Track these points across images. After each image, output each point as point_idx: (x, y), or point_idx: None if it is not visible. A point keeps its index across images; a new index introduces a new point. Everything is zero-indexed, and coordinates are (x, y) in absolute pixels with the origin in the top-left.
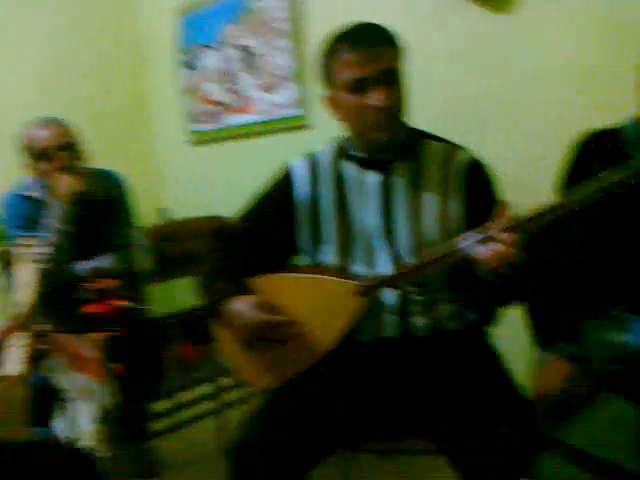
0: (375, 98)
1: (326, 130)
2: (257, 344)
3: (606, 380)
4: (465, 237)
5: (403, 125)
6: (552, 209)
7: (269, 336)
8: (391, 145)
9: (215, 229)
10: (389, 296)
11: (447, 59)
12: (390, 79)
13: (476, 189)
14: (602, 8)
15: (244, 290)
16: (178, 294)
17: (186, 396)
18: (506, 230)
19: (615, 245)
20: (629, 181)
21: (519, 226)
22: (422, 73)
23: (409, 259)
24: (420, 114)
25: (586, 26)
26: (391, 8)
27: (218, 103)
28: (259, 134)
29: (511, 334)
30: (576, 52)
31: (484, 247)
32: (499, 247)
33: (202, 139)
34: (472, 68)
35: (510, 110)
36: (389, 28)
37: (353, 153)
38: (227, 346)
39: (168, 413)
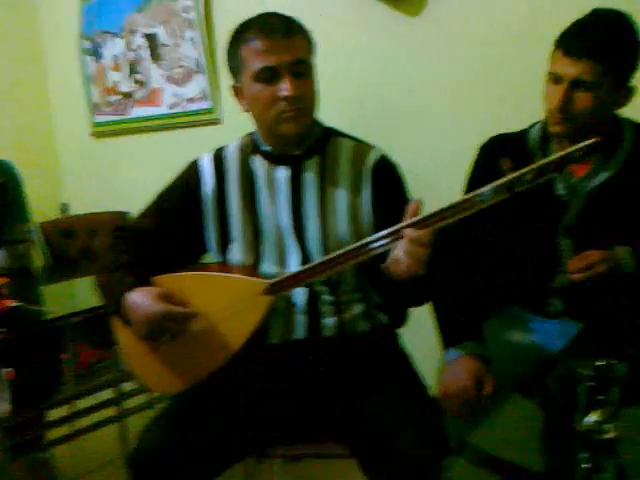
0: (286, 88)
1: (237, 124)
2: (159, 342)
3: (510, 380)
4: (376, 235)
5: (314, 120)
6: (456, 206)
7: (172, 330)
8: (301, 139)
9: (116, 225)
10: (299, 296)
11: (357, 57)
12: (302, 71)
13: (385, 187)
14: (502, 18)
15: (146, 285)
16: (78, 294)
17: (86, 402)
18: (415, 227)
19: (515, 244)
20: (527, 181)
21: (427, 223)
22: (331, 70)
23: (320, 257)
24: (330, 111)
25: (489, 32)
26: (303, 3)
27: (124, 94)
28: (167, 127)
29: (421, 335)
30: (482, 55)
31: (395, 245)
32: (409, 245)
33: (106, 131)
34: (382, 66)
35: (420, 110)
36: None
37: (263, 148)
38: (128, 348)
39: (66, 420)
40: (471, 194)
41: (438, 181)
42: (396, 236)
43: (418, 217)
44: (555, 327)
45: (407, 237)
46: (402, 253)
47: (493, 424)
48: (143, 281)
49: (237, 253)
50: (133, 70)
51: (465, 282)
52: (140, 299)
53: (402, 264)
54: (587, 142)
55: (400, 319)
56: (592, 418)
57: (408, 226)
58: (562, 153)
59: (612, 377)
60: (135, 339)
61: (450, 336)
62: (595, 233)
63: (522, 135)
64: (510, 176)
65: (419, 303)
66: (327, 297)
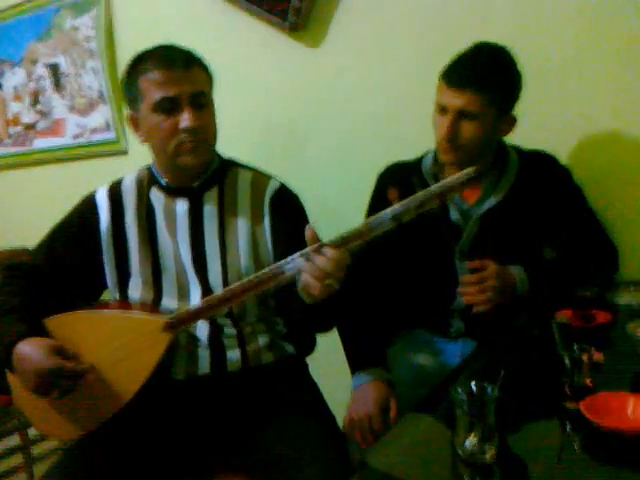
0: (186, 119)
1: (143, 155)
2: (50, 394)
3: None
4: (278, 264)
5: (213, 151)
6: (347, 237)
7: (61, 386)
8: (200, 171)
9: (8, 263)
10: (201, 330)
11: (262, 88)
12: (201, 102)
13: (284, 217)
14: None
15: (38, 331)
16: None
17: None
18: (316, 252)
19: (416, 268)
20: (412, 210)
21: (325, 249)
22: (236, 102)
23: (221, 290)
24: (236, 143)
25: (385, 65)
26: (205, 35)
27: (26, 125)
28: (70, 159)
29: (329, 362)
30: (379, 86)
31: (298, 271)
32: (311, 269)
33: (4, 164)
34: (286, 97)
35: (325, 140)
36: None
37: (160, 181)
38: (21, 394)
39: None
40: (361, 224)
41: (344, 209)
42: (295, 264)
43: (313, 246)
44: (457, 347)
45: (328, 256)
46: (306, 277)
47: (390, 443)
48: (35, 326)
49: (136, 289)
50: (35, 100)
51: (369, 307)
52: (30, 351)
53: (306, 287)
54: (463, 172)
55: (307, 348)
56: (471, 441)
57: (304, 255)
58: (441, 183)
59: (486, 399)
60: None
61: (356, 361)
62: (489, 255)
63: (416, 164)
64: (396, 205)
65: (330, 325)
66: (230, 330)
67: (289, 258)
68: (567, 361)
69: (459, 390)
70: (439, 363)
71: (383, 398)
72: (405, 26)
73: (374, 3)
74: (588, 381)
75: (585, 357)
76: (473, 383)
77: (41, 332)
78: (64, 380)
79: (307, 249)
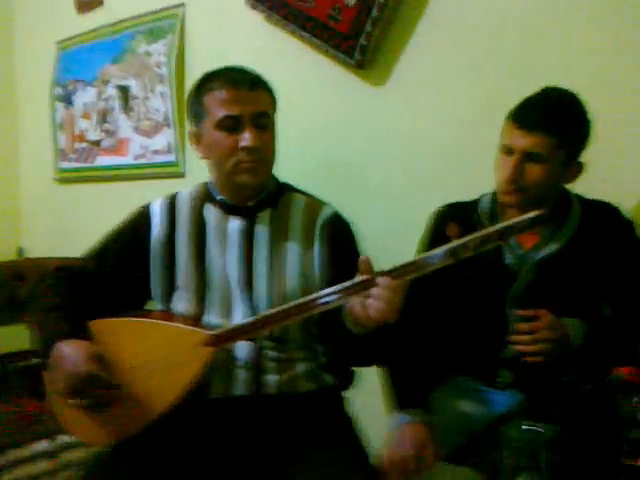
0: (247, 138)
1: (199, 179)
2: (75, 402)
3: (450, 450)
4: (325, 291)
5: (271, 173)
6: (400, 269)
7: (91, 394)
8: (256, 191)
9: (58, 266)
10: (242, 350)
11: (323, 119)
12: (263, 123)
13: (337, 244)
14: (464, 93)
15: (81, 333)
16: (23, 338)
17: (21, 453)
18: (367, 284)
19: (465, 313)
20: (471, 248)
21: (375, 283)
22: (297, 129)
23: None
24: (292, 169)
25: (451, 106)
26: (270, 67)
27: (91, 142)
28: (131, 178)
29: (368, 399)
30: (442, 128)
31: (347, 300)
32: (363, 300)
33: (70, 177)
34: (346, 131)
35: (380, 176)
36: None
37: (217, 197)
38: (56, 395)
39: None
40: (417, 257)
41: (394, 246)
42: (344, 293)
43: (362, 277)
44: (504, 398)
45: (382, 284)
46: (355, 307)
47: None
48: (79, 327)
49: (181, 302)
50: (102, 119)
51: (416, 347)
52: (69, 352)
53: (355, 318)
54: (530, 214)
55: (347, 380)
56: None
57: (354, 286)
58: (506, 223)
59: (538, 441)
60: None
61: (397, 400)
62: (543, 304)
63: (473, 204)
64: (455, 242)
65: (371, 360)
66: (271, 353)
67: (338, 286)
68: (625, 417)
69: (510, 430)
70: (483, 413)
71: (422, 441)
72: (469, 68)
73: (441, 44)
74: None
75: None
76: (525, 425)
77: (84, 334)
78: (94, 389)
79: (357, 278)
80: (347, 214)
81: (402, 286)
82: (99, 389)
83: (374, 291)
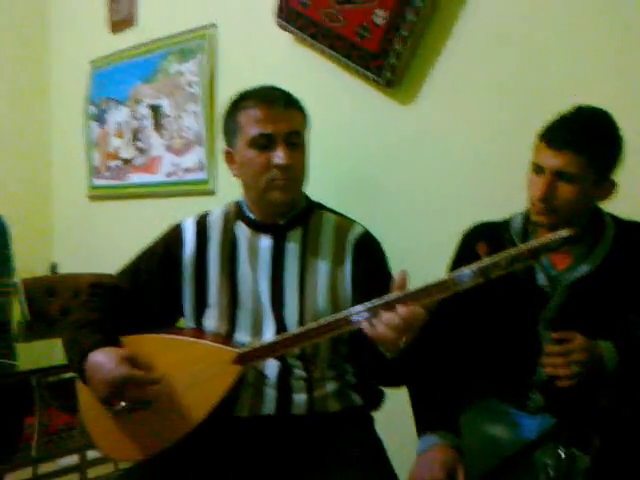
0: (279, 156)
1: (230, 197)
2: (115, 409)
3: (480, 473)
4: (354, 309)
5: (302, 191)
6: (430, 287)
7: (131, 395)
8: (287, 209)
9: (92, 283)
10: (271, 369)
11: (352, 138)
12: (295, 141)
13: (366, 263)
14: (492, 111)
15: (113, 343)
16: (54, 354)
17: (48, 467)
18: (398, 303)
19: (496, 334)
20: (501, 267)
21: (403, 301)
22: (326, 147)
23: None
24: (322, 187)
25: (479, 124)
26: (301, 86)
27: (124, 160)
28: (162, 195)
29: (396, 419)
30: (471, 145)
31: (375, 320)
32: (389, 320)
33: (101, 194)
34: (375, 150)
35: (408, 195)
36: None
37: (247, 215)
38: (88, 408)
39: None
40: (447, 276)
41: (418, 264)
42: (374, 311)
43: (391, 296)
44: (535, 422)
45: (391, 314)
46: (381, 327)
47: None
48: (111, 340)
49: (212, 320)
50: (135, 137)
51: (445, 368)
52: (102, 359)
53: (380, 338)
54: (562, 233)
55: (375, 401)
56: None
57: (383, 304)
58: (537, 241)
59: (574, 468)
60: (93, 398)
61: (426, 421)
62: (576, 326)
63: (504, 224)
64: (485, 260)
65: (400, 381)
66: (300, 372)
67: (367, 303)
68: None
69: (546, 456)
70: (513, 437)
71: (450, 464)
72: (498, 86)
73: (469, 62)
74: None
75: None
76: (562, 451)
77: (115, 345)
78: (133, 389)
79: (386, 297)
80: (376, 232)
81: (420, 313)
82: (138, 388)
83: (395, 314)
